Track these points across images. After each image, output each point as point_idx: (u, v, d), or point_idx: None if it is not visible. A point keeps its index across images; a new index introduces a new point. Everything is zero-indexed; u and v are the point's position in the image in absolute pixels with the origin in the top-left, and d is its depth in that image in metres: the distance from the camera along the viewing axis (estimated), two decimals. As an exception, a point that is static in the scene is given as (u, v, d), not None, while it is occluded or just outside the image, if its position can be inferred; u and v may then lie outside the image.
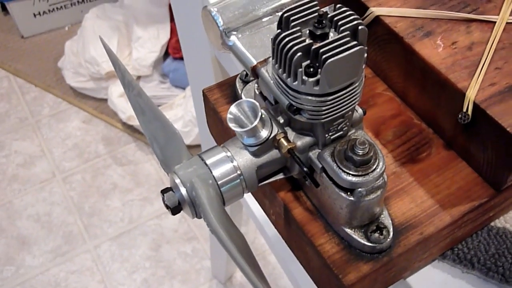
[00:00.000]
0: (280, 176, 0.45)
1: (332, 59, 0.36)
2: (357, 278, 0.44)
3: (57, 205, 1.75)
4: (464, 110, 0.46)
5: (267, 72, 0.42)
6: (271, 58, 0.42)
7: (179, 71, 1.83)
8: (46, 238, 1.68)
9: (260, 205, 0.55)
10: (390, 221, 0.45)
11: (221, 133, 0.56)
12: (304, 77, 0.37)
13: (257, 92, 0.48)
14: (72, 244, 1.67)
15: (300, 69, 0.37)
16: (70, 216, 1.72)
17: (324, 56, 0.36)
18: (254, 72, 0.43)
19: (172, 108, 1.80)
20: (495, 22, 0.51)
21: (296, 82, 0.38)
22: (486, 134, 0.46)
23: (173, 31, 1.87)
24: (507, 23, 0.50)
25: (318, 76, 0.37)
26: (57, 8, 2.18)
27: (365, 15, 0.52)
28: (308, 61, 0.38)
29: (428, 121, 0.52)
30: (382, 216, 0.45)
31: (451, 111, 0.48)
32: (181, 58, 1.85)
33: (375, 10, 0.52)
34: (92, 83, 1.91)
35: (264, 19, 0.45)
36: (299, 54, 0.37)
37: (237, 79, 0.54)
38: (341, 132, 0.43)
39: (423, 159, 0.50)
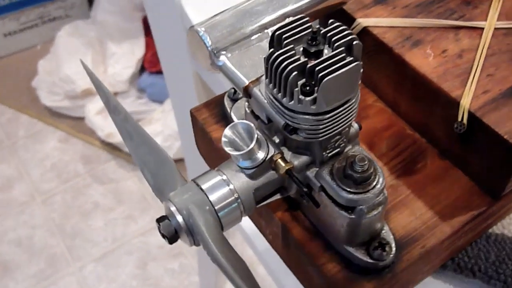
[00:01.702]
0: (277, 196, 0.44)
1: (329, 77, 0.35)
2: (362, 297, 0.43)
3: (38, 228, 1.71)
4: (459, 119, 0.46)
5: (260, 91, 0.41)
6: (263, 77, 0.41)
7: (156, 86, 1.82)
8: (28, 262, 1.64)
9: (255, 225, 0.53)
10: (392, 236, 0.44)
11: (212, 153, 0.54)
12: (300, 97, 0.36)
13: (248, 111, 0.46)
14: (55, 267, 1.63)
15: (296, 89, 0.36)
16: (52, 238, 1.69)
17: (320, 74, 0.35)
18: (247, 92, 0.42)
19: (151, 123, 1.78)
20: (483, 28, 0.50)
21: (292, 102, 0.37)
22: (483, 142, 0.45)
23: (148, 46, 1.86)
24: (495, 28, 0.50)
25: (315, 94, 0.36)
26: (28, 27, 2.15)
27: (352, 26, 0.52)
28: (304, 80, 0.37)
29: (421, 131, 0.51)
30: (383, 231, 0.44)
31: (445, 120, 0.48)
32: (158, 72, 1.83)
33: (362, 21, 0.51)
34: (67, 102, 1.88)
35: (253, 37, 0.44)
36: (294, 73, 0.36)
37: (225, 98, 0.53)
38: (338, 149, 0.42)
39: (418, 170, 0.50)
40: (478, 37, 0.50)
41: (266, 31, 0.44)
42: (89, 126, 1.83)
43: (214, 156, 0.54)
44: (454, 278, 0.51)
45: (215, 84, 0.83)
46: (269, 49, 0.39)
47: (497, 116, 0.45)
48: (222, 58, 0.42)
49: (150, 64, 1.84)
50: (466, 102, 0.45)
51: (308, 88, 0.36)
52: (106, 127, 1.77)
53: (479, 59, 0.48)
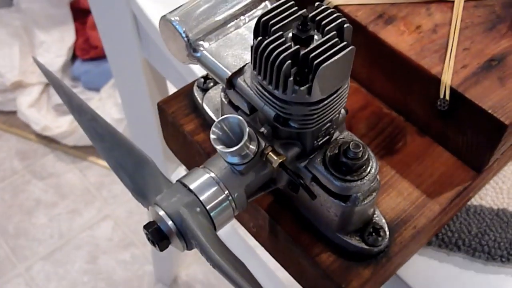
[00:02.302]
0: (267, 189, 0.42)
1: (325, 64, 0.33)
2: (360, 284, 0.42)
3: (-23, 231, 1.62)
4: (441, 96, 0.45)
5: (245, 82, 0.39)
6: (247, 67, 0.39)
7: (91, 73, 1.75)
8: (-30, 268, 1.56)
9: (236, 218, 0.51)
10: (384, 220, 0.44)
11: (184, 148, 0.52)
12: (294, 87, 0.34)
13: (225, 102, 0.44)
14: (0, 270, 1.56)
15: (290, 78, 0.34)
16: (-7, 241, 1.61)
17: (315, 62, 0.33)
18: (230, 83, 0.39)
19: (89, 112, 1.71)
20: (453, 1, 0.50)
21: (285, 93, 0.35)
22: (466, 117, 0.45)
23: (78, 32, 1.78)
24: (465, 1, 0.50)
25: (309, 83, 0.34)
26: None
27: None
28: (296, 69, 0.35)
29: (398, 109, 0.51)
30: (375, 216, 0.43)
31: (424, 97, 0.47)
32: (91, 59, 1.76)
33: (333, 0, 0.49)
34: (-4, 96, 1.78)
35: (229, 24, 0.41)
36: (288, 62, 0.34)
37: (195, 88, 0.50)
38: (328, 136, 0.40)
39: (400, 149, 0.49)
40: (449, 11, 0.49)
41: (242, 17, 0.41)
42: (23, 120, 1.74)
43: (187, 151, 0.51)
44: (437, 254, 0.51)
45: (167, 70, 0.80)
46: (255, 37, 0.36)
47: (479, 90, 0.44)
48: (200, 48, 0.40)
49: (82, 51, 1.77)
50: (447, 78, 0.45)
51: (302, 77, 0.34)
52: (41, 120, 1.68)
53: (454, 33, 0.48)
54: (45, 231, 1.63)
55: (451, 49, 0.46)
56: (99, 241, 1.62)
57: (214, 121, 0.48)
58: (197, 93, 0.50)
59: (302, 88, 0.34)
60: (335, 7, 0.49)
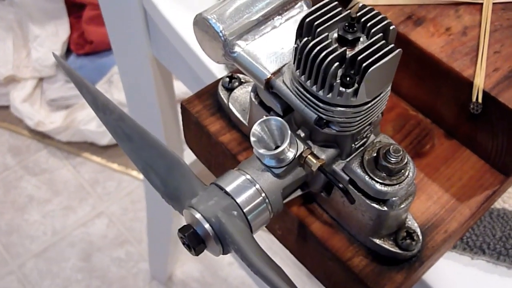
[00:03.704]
0: (299, 192, 0.42)
1: (374, 66, 0.33)
2: (393, 289, 0.41)
3: (-31, 228, 1.60)
4: (474, 99, 0.44)
5: (284, 83, 0.38)
6: (285, 68, 0.38)
7: (86, 68, 1.73)
8: (-38, 265, 1.54)
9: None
10: (416, 224, 0.43)
11: (207, 148, 0.51)
12: (341, 89, 0.34)
13: (255, 102, 0.43)
14: (-7, 267, 1.54)
15: (338, 81, 0.33)
16: (-14, 237, 1.58)
17: (364, 64, 0.33)
18: (268, 84, 0.38)
19: (84, 108, 1.69)
20: (481, 4, 0.49)
21: (330, 95, 0.34)
22: (497, 121, 0.45)
23: (73, 26, 1.76)
24: (493, 3, 0.49)
25: (356, 86, 0.34)
26: None
27: (349, 6, 0.49)
28: (342, 71, 0.34)
29: (424, 112, 0.50)
30: (407, 220, 0.43)
31: (454, 100, 0.47)
32: (86, 54, 1.74)
33: (361, 0, 0.49)
34: (-11, 91, 1.75)
35: (266, 24, 0.40)
36: (336, 64, 0.33)
37: (220, 87, 0.49)
38: (365, 139, 0.40)
39: (427, 152, 0.48)
40: (477, 13, 0.49)
41: (279, 17, 0.40)
42: (16, 115, 1.71)
43: (211, 152, 0.50)
44: (461, 257, 0.51)
45: (177, 68, 0.79)
46: (298, 37, 0.36)
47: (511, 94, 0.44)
48: (237, 48, 0.39)
49: (76, 46, 1.74)
50: (480, 82, 0.44)
51: (348, 79, 0.34)
52: (35, 115, 1.66)
53: (484, 36, 0.47)
54: (38, 228, 1.61)
55: (482, 52, 0.46)
56: (93, 238, 1.61)
57: (240, 121, 0.48)
58: (222, 93, 0.49)
59: (348, 91, 0.34)
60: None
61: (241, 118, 0.47)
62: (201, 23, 0.39)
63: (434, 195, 0.46)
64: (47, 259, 1.56)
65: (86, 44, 1.74)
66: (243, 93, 0.48)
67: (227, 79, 0.49)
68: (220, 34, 0.38)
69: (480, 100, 0.44)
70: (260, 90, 0.42)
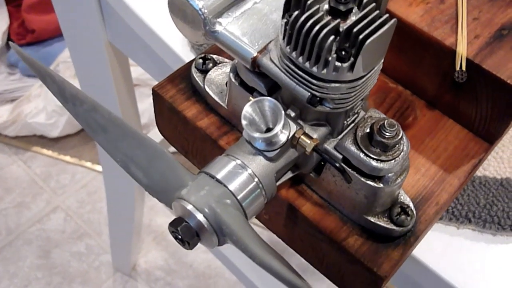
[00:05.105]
0: (290, 175, 0.40)
1: (371, 38, 0.31)
2: (391, 266, 0.40)
3: None
4: (458, 68, 0.44)
5: (271, 61, 0.36)
6: (272, 45, 0.36)
7: (29, 58, 1.65)
8: None
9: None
10: (409, 199, 0.42)
11: (183, 134, 0.48)
12: (336, 63, 0.32)
13: (235, 83, 0.41)
14: None
15: (333, 55, 0.32)
16: None
17: (361, 36, 0.31)
18: (255, 63, 0.36)
19: (30, 100, 1.62)
20: (455, -30, 0.48)
21: (325, 70, 0.33)
22: (482, 88, 0.44)
23: (12, 16, 1.67)
24: (467, -31, 0.48)
25: (352, 59, 0.32)
26: None
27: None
28: (336, 44, 0.32)
29: (404, 83, 0.49)
30: (400, 195, 0.42)
31: (435, 69, 0.46)
32: (28, 44, 1.66)
33: (335, -29, 0.47)
34: None
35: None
36: (331, 38, 0.31)
37: (193, 69, 0.47)
38: (356, 115, 0.38)
39: (411, 124, 0.48)
40: (453, -21, 0.48)
41: (259, -9, 0.38)
42: (-43, 111, 1.63)
43: (188, 138, 0.48)
44: (447, 228, 0.51)
45: (135, 53, 0.76)
46: (285, 11, 0.33)
47: (495, 61, 0.43)
48: (218, 26, 0.36)
49: (18, 36, 1.66)
50: (462, 49, 0.43)
51: (344, 53, 0.32)
52: (-21, 111, 1.58)
53: (462, 2, 0.46)
54: (-9, 227, 1.54)
55: (462, 19, 0.45)
56: (50, 234, 1.55)
57: (219, 104, 0.45)
58: (197, 75, 0.46)
59: (344, 65, 0.32)
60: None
61: (219, 101, 0.45)
62: (177, 1, 0.36)
63: (422, 168, 0.45)
64: (3, 260, 1.50)
65: (28, 33, 1.66)
66: (219, 74, 0.46)
67: (201, 61, 0.47)
68: (200, 12, 0.36)
69: (464, 68, 0.43)
70: (240, 70, 0.40)
